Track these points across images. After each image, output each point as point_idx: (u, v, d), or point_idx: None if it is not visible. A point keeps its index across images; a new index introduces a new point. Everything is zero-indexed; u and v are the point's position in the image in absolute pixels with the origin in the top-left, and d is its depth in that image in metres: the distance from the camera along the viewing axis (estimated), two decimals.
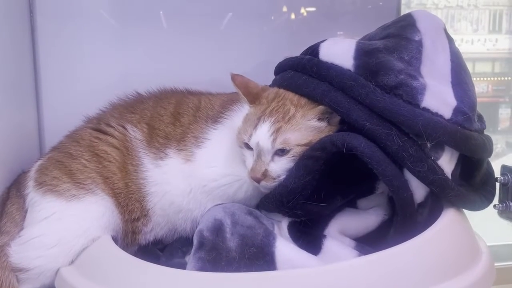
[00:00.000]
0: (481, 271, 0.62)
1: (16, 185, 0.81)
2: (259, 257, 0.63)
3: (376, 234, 0.70)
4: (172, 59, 1.04)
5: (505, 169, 0.81)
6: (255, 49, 1.07)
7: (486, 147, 0.66)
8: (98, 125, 0.81)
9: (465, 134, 0.63)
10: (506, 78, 2.03)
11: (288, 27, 1.10)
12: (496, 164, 0.79)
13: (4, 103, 0.84)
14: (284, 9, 1.11)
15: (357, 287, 0.57)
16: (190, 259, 0.65)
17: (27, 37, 0.98)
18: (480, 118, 0.72)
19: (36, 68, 1.01)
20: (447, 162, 0.64)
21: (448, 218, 0.64)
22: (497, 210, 0.82)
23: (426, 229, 0.64)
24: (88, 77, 1.03)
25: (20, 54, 0.96)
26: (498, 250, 1.13)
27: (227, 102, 0.81)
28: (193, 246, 0.65)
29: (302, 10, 1.11)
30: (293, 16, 1.11)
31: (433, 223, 0.65)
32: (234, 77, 0.72)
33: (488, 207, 0.73)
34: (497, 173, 0.77)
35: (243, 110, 0.77)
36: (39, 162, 0.80)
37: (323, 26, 1.11)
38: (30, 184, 0.77)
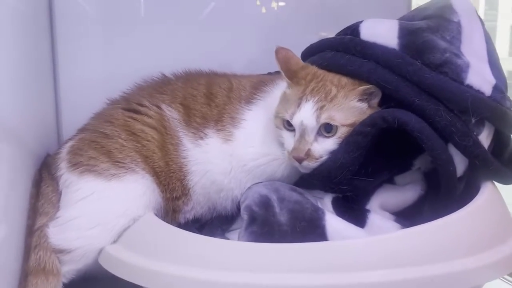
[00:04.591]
0: None
1: (46, 167, 0.80)
2: (310, 230, 0.64)
3: (412, 209, 0.73)
4: (152, 50, 1.02)
5: None
6: (242, 38, 1.07)
7: None
8: (129, 105, 0.81)
9: (504, 110, 0.66)
10: None
11: (275, 17, 1.10)
12: None
13: (23, 88, 0.81)
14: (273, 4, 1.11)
15: (410, 255, 0.59)
16: (241, 234, 0.65)
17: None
18: (508, 97, 0.75)
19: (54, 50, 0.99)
20: (485, 138, 0.67)
21: (489, 191, 0.67)
22: None
23: (460, 203, 0.67)
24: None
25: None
26: None
27: (258, 84, 0.81)
28: (244, 222, 0.66)
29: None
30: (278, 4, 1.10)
31: (466, 198, 0.68)
32: (278, 50, 0.73)
33: None
34: None
35: (275, 91, 0.79)
36: (69, 144, 0.79)
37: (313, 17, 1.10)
38: (63, 165, 0.76)
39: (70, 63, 1.00)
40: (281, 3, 1.10)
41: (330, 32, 1.07)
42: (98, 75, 1.02)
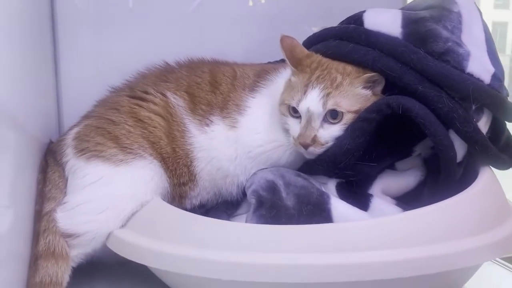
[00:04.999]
0: None
1: (51, 153, 0.80)
2: (316, 213, 0.66)
3: (413, 194, 0.75)
4: (148, 41, 1.02)
5: None
6: (236, 30, 1.07)
7: None
8: (133, 93, 0.82)
9: (502, 98, 0.69)
10: None
11: (265, 10, 1.09)
12: None
13: (25, 77, 0.81)
14: None
15: (413, 236, 0.61)
16: (249, 217, 0.67)
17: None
18: (504, 85, 0.78)
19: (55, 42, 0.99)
20: (484, 124, 0.70)
21: (487, 175, 0.70)
22: None
23: (458, 188, 0.69)
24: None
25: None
26: None
27: (261, 72, 0.83)
28: (252, 206, 0.68)
29: None
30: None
31: (465, 182, 0.70)
32: (283, 39, 0.74)
33: None
34: None
35: (278, 79, 0.80)
36: (75, 130, 0.79)
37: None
38: (69, 151, 0.77)
39: (70, 55, 1.00)
40: None
41: (323, 25, 1.08)
42: (98, 65, 1.02)
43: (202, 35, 1.04)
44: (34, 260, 0.69)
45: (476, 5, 0.77)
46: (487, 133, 0.72)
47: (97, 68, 1.01)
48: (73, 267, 0.71)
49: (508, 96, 0.75)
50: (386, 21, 0.71)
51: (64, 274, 0.69)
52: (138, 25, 1.02)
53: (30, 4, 0.85)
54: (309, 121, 0.70)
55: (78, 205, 0.72)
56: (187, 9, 1.04)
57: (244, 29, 1.07)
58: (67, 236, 0.71)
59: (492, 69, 0.69)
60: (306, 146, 0.70)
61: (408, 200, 0.75)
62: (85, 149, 0.75)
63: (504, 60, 0.73)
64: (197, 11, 1.04)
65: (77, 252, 0.71)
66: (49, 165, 0.78)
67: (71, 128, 0.82)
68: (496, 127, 0.75)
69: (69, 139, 0.78)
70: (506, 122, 0.76)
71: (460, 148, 0.69)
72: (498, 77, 0.69)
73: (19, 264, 0.67)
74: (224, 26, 1.06)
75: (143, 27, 1.02)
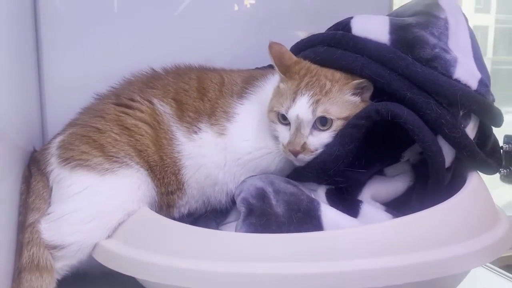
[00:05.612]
0: (504, 229, 0.68)
1: (35, 162, 0.79)
2: (306, 221, 0.66)
3: (402, 199, 0.75)
4: (134, 47, 1.00)
5: (508, 138, 0.89)
6: (217, 36, 1.06)
7: (502, 117, 0.73)
8: (119, 100, 0.80)
9: (489, 104, 0.70)
10: None
11: (251, 15, 1.08)
12: None
13: (8, 84, 0.79)
14: None
15: (403, 243, 0.60)
16: (238, 226, 0.66)
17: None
18: (490, 91, 0.78)
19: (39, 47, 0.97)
20: (471, 130, 0.70)
21: (475, 181, 0.70)
22: (500, 175, 0.90)
23: (446, 193, 0.69)
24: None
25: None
26: None
27: (249, 78, 0.82)
28: (242, 214, 0.67)
29: None
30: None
31: (453, 188, 0.71)
32: (271, 45, 0.74)
33: None
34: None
35: (266, 86, 0.80)
36: (59, 138, 0.78)
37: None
38: (53, 160, 0.75)
39: (54, 61, 0.98)
40: None
41: (310, 30, 1.08)
42: (83, 72, 1.00)
43: (188, 40, 1.03)
44: (18, 273, 0.67)
45: (462, 11, 0.78)
46: (474, 138, 0.72)
47: (81, 75, 0.99)
48: (58, 280, 0.70)
49: (494, 101, 0.76)
50: (374, 27, 0.72)
51: (48, 287, 0.67)
52: (123, 31, 1.01)
53: (12, 10, 0.83)
54: (298, 128, 0.69)
55: (63, 216, 0.70)
56: (173, 15, 1.04)
57: (231, 34, 1.06)
58: (52, 247, 0.69)
59: (478, 75, 0.70)
60: (295, 153, 0.69)
61: (397, 206, 0.75)
62: (69, 158, 0.73)
63: (485, 64, 0.74)
64: (183, 16, 1.03)
65: (62, 264, 0.69)
66: (32, 175, 0.76)
67: (55, 137, 0.80)
68: (483, 132, 0.75)
69: (53, 147, 0.77)
70: (493, 128, 0.77)
71: (448, 153, 0.69)
72: (484, 82, 0.70)
73: (2, 278, 0.65)
74: (210, 31, 1.05)
75: (128, 33, 1.01)
